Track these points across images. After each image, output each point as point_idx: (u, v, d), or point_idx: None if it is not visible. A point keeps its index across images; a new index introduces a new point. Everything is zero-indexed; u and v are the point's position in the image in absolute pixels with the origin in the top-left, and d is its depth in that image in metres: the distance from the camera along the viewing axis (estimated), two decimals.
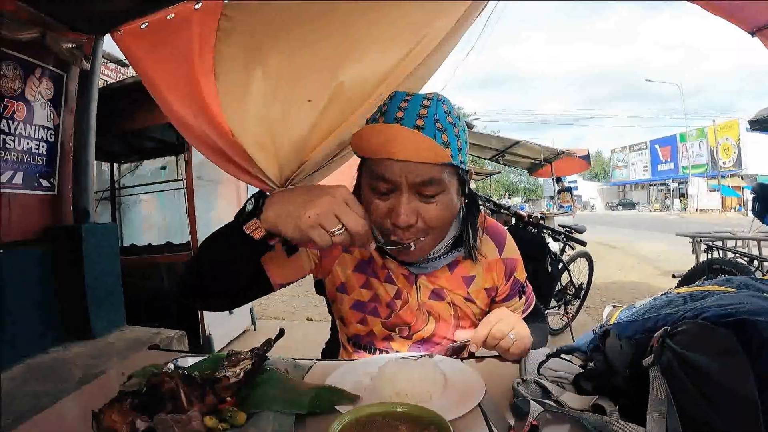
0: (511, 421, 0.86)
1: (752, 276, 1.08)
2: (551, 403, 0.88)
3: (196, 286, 1.20)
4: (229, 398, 0.87)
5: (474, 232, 1.31)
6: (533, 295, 1.53)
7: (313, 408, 0.89)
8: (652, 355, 0.80)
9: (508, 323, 1.14)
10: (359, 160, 1.23)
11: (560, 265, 4.75)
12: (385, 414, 0.82)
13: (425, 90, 1.32)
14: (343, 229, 0.95)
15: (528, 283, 1.50)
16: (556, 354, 1.07)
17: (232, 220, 1.05)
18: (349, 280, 1.34)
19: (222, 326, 4.78)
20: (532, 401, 0.84)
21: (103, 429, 0.76)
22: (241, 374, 0.93)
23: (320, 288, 1.44)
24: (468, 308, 1.36)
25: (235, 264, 1.11)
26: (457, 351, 1.39)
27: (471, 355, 1.36)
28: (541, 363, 1.05)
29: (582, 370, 0.99)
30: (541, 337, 1.44)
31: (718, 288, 0.97)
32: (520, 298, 1.46)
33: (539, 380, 0.97)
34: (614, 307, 1.18)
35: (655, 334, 0.83)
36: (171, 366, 1.08)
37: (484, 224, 1.39)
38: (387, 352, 1.35)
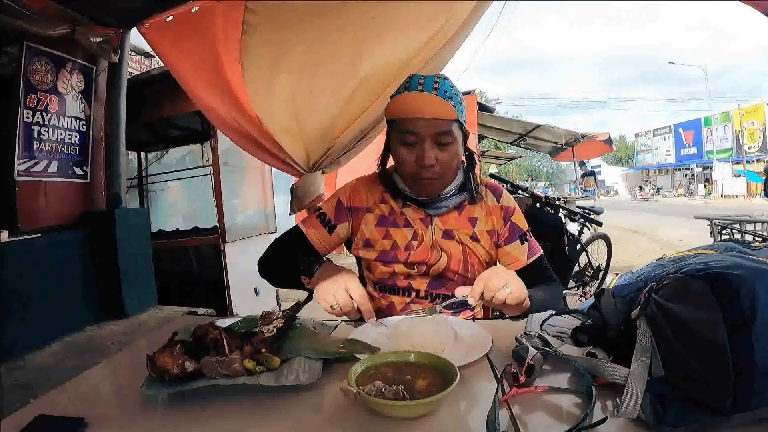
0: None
1: (742, 243, 1.15)
2: (549, 350, 0.98)
3: (268, 275, 1.69)
4: (264, 349, 0.98)
5: (474, 177, 1.65)
6: (539, 247, 1.70)
7: (339, 356, 1.01)
8: (638, 308, 0.89)
9: (502, 277, 1.25)
10: (380, 141, 1.65)
11: (578, 246, 4.80)
12: (400, 360, 0.95)
13: (445, 74, 1.60)
14: (337, 306, 1.27)
15: (531, 235, 1.69)
16: (559, 313, 1.18)
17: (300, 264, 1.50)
18: (372, 234, 1.63)
19: (249, 307, 4.91)
20: (531, 348, 0.94)
21: (157, 369, 0.88)
22: (274, 330, 1.05)
23: (349, 245, 1.73)
24: (474, 247, 1.63)
25: (291, 279, 1.52)
26: (457, 307, 1.60)
27: (485, 317, 1.68)
28: (544, 320, 1.15)
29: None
30: (555, 299, 1.60)
31: (705, 252, 1.05)
32: (522, 243, 1.66)
33: (541, 334, 1.07)
34: (615, 274, 1.28)
35: (644, 290, 0.92)
36: None
37: (480, 181, 1.70)
38: (409, 291, 1.61)
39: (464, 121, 1.53)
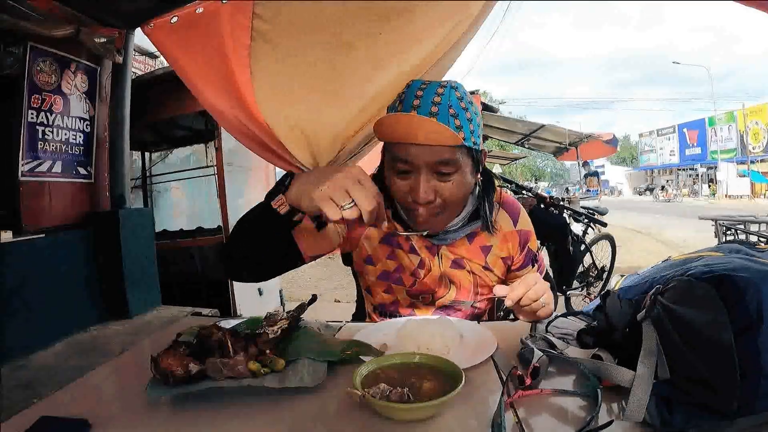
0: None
1: (748, 244, 1.14)
2: (554, 352, 0.98)
3: (235, 259, 1.28)
4: (268, 351, 0.98)
5: (490, 206, 1.43)
6: (544, 263, 1.63)
7: (343, 357, 1.01)
8: (644, 311, 0.89)
9: (542, 288, 1.17)
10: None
11: (582, 247, 4.79)
12: (404, 362, 0.94)
13: (449, 75, 1.44)
14: (353, 204, 0.99)
15: (539, 252, 1.60)
16: (564, 315, 1.17)
17: (265, 198, 1.14)
18: (375, 252, 1.47)
19: (252, 307, 4.93)
20: (536, 350, 0.94)
21: (161, 370, 0.88)
22: (279, 331, 1.04)
23: (347, 260, 1.58)
24: (486, 276, 1.49)
25: (266, 237, 1.18)
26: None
27: (490, 318, 1.60)
28: (549, 322, 1.15)
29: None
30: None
31: (711, 253, 1.05)
32: (533, 266, 1.57)
33: (547, 336, 1.07)
34: (621, 276, 1.27)
35: (649, 293, 0.92)
36: None
37: (500, 199, 1.50)
38: None
39: (475, 143, 1.28)
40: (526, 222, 1.56)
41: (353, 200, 0.99)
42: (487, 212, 1.42)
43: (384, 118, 1.21)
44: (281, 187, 1.11)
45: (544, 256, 4.20)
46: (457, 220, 1.41)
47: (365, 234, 1.48)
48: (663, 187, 39.76)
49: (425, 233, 1.33)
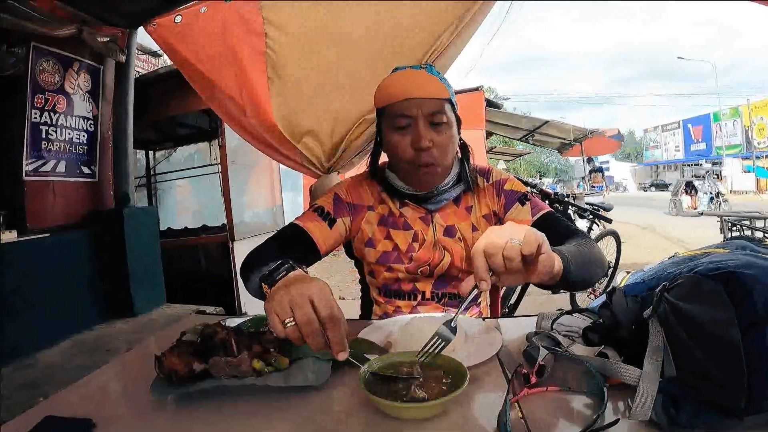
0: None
1: (754, 241, 1.14)
2: (560, 350, 0.97)
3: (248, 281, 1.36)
4: (273, 349, 0.98)
5: (469, 167, 1.58)
6: (547, 206, 1.57)
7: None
8: (651, 308, 0.89)
9: (500, 234, 0.94)
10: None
11: None
12: (409, 360, 0.94)
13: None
14: (294, 322, 0.86)
15: (535, 195, 1.61)
16: (569, 312, 1.16)
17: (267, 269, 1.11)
18: (374, 234, 1.57)
19: (258, 304, 4.90)
20: (541, 348, 0.93)
21: (165, 370, 0.88)
22: None
23: (350, 249, 1.67)
24: (475, 238, 1.54)
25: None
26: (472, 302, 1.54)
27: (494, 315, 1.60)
28: (555, 320, 1.14)
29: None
30: (589, 247, 1.33)
31: (717, 250, 1.04)
32: (523, 204, 1.54)
33: (552, 334, 1.07)
34: (627, 272, 1.26)
35: (656, 290, 0.91)
36: None
37: (474, 165, 1.63)
38: (414, 294, 1.55)
39: (456, 106, 1.50)
40: (499, 174, 1.63)
41: (293, 318, 0.86)
42: (468, 172, 1.56)
43: (384, 80, 1.47)
44: (278, 269, 1.08)
45: None
46: (448, 178, 1.54)
47: (365, 218, 1.58)
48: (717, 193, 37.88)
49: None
